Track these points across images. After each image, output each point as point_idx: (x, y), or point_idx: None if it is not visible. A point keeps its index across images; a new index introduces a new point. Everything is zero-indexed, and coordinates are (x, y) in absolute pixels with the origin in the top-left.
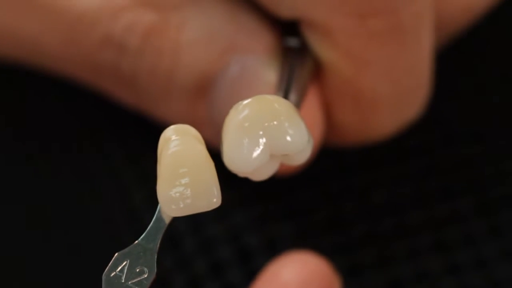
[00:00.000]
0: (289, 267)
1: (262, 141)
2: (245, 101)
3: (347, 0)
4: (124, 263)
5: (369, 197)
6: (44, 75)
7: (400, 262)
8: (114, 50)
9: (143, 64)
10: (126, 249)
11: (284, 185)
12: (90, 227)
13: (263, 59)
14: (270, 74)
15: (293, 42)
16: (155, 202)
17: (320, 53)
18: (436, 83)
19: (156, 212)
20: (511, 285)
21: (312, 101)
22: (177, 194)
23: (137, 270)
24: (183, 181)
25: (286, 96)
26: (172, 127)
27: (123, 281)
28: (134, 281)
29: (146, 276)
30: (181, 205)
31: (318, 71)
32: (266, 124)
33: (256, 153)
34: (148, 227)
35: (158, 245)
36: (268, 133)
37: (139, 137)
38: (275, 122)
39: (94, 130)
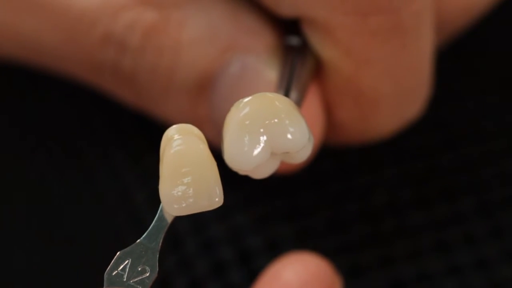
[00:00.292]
0: (290, 267)
1: (263, 138)
2: (246, 99)
3: None
4: (126, 262)
5: (370, 198)
6: (44, 75)
7: (401, 263)
8: (115, 49)
9: (144, 63)
10: (128, 248)
11: (285, 186)
12: (92, 227)
13: (264, 57)
14: (271, 72)
15: (294, 40)
16: (157, 201)
17: (321, 51)
18: (437, 84)
19: (158, 211)
20: None
21: (313, 99)
22: (179, 193)
23: (139, 269)
24: (186, 180)
25: (287, 94)
26: (174, 126)
27: (125, 279)
28: (136, 280)
29: (148, 275)
30: (183, 204)
31: (319, 70)
32: (266, 121)
33: (256, 151)
34: (150, 226)
35: (160, 244)
36: (269, 130)
37: (140, 137)
38: (275, 120)
39: (95, 130)
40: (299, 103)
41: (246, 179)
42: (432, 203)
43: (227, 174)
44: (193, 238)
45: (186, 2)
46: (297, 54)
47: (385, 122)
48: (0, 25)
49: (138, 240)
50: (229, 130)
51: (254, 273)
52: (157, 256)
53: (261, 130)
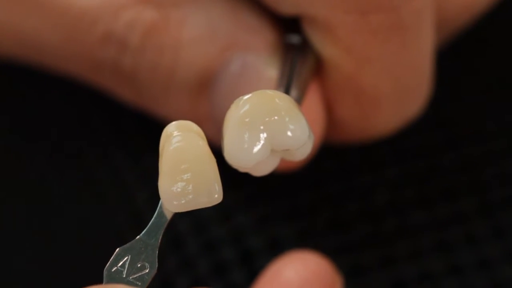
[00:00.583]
0: (291, 266)
1: (263, 136)
2: (246, 96)
3: None
4: (126, 258)
5: (371, 198)
6: (44, 74)
7: (402, 262)
8: (115, 48)
9: (144, 62)
10: (128, 244)
11: (286, 186)
12: (93, 227)
13: (264, 56)
14: (271, 70)
15: (294, 38)
16: (158, 200)
17: (321, 49)
18: (438, 84)
19: (158, 208)
20: None
21: (313, 97)
22: (179, 190)
23: (139, 265)
24: (185, 176)
25: (287, 92)
26: (174, 123)
27: (124, 276)
28: (135, 276)
29: (147, 271)
30: (183, 201)
31: (319, 68)
32: (266, 119)
33: (256, 148)
34: (150, 223)
35: (159, 241)
36: (269, 128)
37: (140, 136)
38: (276, 117)
39: (95, 130)
40: (299, 101)
41: (246, 179)
42: (433, 203)
43: (228, 174)
44: (195, 239)
45: (186, 0)
46: (297, 52)
47: (385, 120)
48: (0, 24)
49: (138, 237)
50: (229, 128)
51: (255, 273)
52: (157, 252)
53: (261, 127)
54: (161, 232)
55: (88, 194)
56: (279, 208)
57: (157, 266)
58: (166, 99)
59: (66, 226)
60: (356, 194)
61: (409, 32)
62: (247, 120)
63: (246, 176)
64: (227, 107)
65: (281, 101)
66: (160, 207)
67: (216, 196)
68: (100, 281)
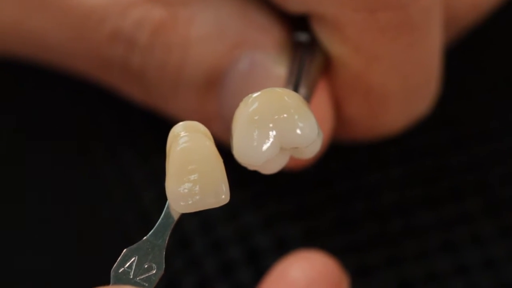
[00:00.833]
0: (297, 265)
1: (272, 133)
2: (255, 94)
3: None
4: (133, 259)
5: (378, 197)
6: (52, 73)
7: (408, 262)
8: (123, 46)
9: (152, 60)
10: (135, 245)
11: (293, 186)
12: (100, 226)
13: (273, 54)
14: (279, 69)
15: (302, 37)
16: (165, 199)
17: (330, 47)
18: (445, 83)
19: (165, 209)
20: None
21: (322, 95)
22: (186, 191)
23: (146, 266)
24: (192, 177)
25: (295, 90)
26: (181, 123)
27: (131, 277)
28: (142, 277)
29: (154, 272)
30: (190, 202)
31: (327, 66)
32: (276, 116)
33: (266, 146)
34: (157, 223)
35: (166, 241)
36: (278, 125)
37: (149, 135)
38: (285, 115)
39: (103, 129)
40: (308, 99)
41: (254, 178)
42: (439, 203)
43: (235, 174)
44: (201, 238)
45: None
46: (306, 51)
47: (393, 119)
48: (8, 22)
49: (145, 237)
50: (238, 126)
51: (262, 272)
52: (164, 253)
53: (270, 125)
54: (168, 232)
55: (95, 193)
56: (286, 207)
57: (164, 267)
58: (174, 98)
59: (73, 225)
60: (363, 193)
61: (417, 30)
62: (256, 118)
63: (253, 175)
64: (235, 105)
65: (290, 99)
66: (167, 207)
67: (223, 196)
68: (106, 282)
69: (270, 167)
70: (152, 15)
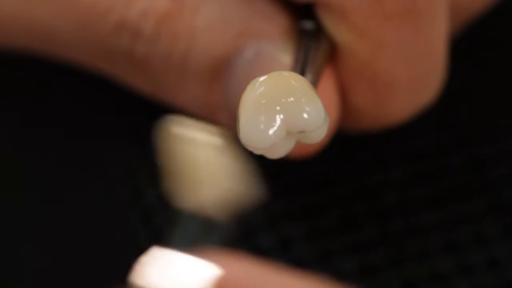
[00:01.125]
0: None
1: (279, 117)
2: (262, 78)
3: None
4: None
5: (382, 197)
6: (56, 70)
7: (412, 262)
8: (129, 36)
9: (158, 49)
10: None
11: (296, 185)
12: (104, 226)
13: (278, 42)
14: (285, 57)
15: (308, 24)
16: (168, 200)
17: (336, 35)
18: (448, 83)
19: None
20: None
21: (328, 83)
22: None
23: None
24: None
25: None
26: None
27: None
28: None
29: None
30: None
31: (333, 54)
32: (283, 100)
33: (272, 129)
34: None
35: None
36: (285, 109)
37: (152, 134)
38: (292, 99)
39: (107, 129)
40: (314, 86)
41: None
42: (443, 203)
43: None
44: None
45: None
46: (311, 38)
47: (399, 107)
48: (13, 12)
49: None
50: (244, 109)
51: None
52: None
53: (277, 108)
54: None
55: (100, 192)
56: (288, 207)
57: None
58: (180, 87)
59: (77, 225)
60: (366, 193)
61: (423, 17)
62: (263, 101)
63: (258, 175)
64: (241, 94)
65: (297, 82)
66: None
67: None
68: (107, 282)
69: (276, 151)
70: (157, 4)
